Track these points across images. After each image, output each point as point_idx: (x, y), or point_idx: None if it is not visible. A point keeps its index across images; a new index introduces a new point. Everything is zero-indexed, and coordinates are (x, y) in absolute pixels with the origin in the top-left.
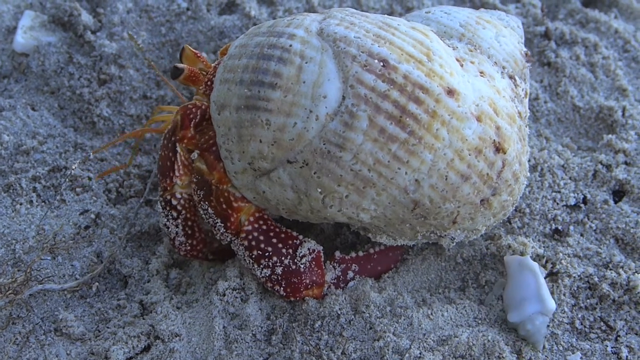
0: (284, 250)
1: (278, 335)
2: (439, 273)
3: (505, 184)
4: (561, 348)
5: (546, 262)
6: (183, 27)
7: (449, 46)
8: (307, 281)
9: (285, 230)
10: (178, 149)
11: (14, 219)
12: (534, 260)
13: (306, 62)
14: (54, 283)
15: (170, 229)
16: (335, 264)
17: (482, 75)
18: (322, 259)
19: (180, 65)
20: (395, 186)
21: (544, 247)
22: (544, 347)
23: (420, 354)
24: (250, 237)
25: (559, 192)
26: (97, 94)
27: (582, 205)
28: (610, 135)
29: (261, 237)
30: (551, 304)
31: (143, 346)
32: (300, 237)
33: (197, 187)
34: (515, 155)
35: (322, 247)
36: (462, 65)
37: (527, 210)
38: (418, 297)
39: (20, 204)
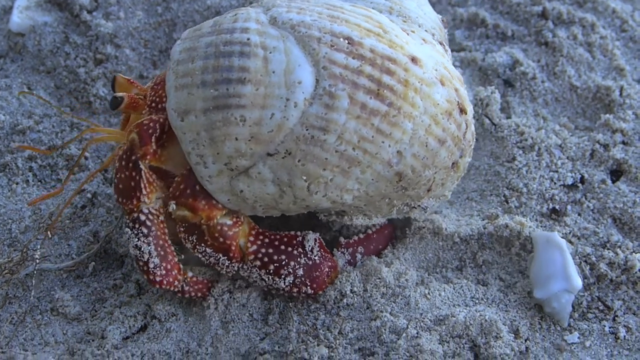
0: (295, 252)
1: (275, 315)
2: (437, 252)
3: (468, 145)
4: (559, 328)
5: None
6: (179, 7)
7: (389, 20)
8: (326, 270)
9: (283, 233)
10: (142, 166)
11: (10, 198)
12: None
13: (270, 52)
14: (50, 263)
15: (142, 250)
16: (343, 250)
17: (425, 42)
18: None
19: (119, 95)
20: (380, 161)
21: (541, 226)
22: (540, 326)
23: (417, 333)
24: (259, 255)
25: (557, 171)
26: (94, 73)
27: (579, 184)
28: (607, 115)
29: (270, 250)
30: (577, 282)
31: (140, 326)
32: (298, 232)
33: (186, 234)
34: (471, 117)
35: (318, 233)
36: (407, 35)
37: (525, 189)
38: (417, 277)
39: (17, 184)
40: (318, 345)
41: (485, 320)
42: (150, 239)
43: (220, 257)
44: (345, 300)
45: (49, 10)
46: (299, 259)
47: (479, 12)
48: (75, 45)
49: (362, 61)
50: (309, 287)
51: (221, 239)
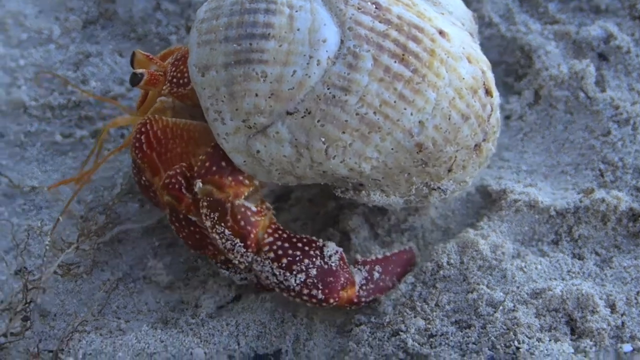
0: (312, 252)
1: None
2: (532, 225)
3: (492, 130)
4: None
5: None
6: None
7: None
8: (342, 280)
9: (304, 235)
10: (194, 219)
11: (103, 165)
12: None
13: (296, 11)
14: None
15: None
16: (360, 267)
17: (454, 25)
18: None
19: (139, 71)
20: (401, 129)
21: (637, 201)
22: (637, 301)
23: (513, 306)
24: (274, 246)
25: None
26: (185, 41)
27: None
28: None
29: (286, 244)
30: None
31: (233, 295)
32: (320, 240)
33: (209, 210)
34: (497, 103)
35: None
36: (437, 14)
37: (620, 163)
38: (514, 250)
39: (108, 150)
40: (415, 317)
41: (582, 295)
42: (222, 240)
43: (237, 243)
44: (441, 272)
45: None
46: (314, 259)
47: None
48: (167, 12)
49: (388, 25)
50: (320, 292)
51: (242, 222)
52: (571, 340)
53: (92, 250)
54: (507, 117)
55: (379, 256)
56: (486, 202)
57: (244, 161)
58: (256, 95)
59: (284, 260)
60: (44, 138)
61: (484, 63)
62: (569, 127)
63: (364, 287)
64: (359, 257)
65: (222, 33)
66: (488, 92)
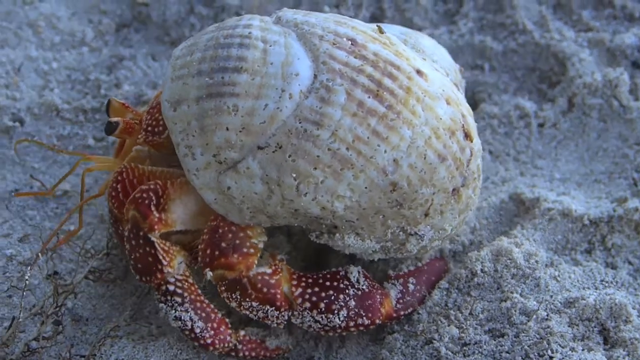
0: (342, 285)
1: None
2: (566, 234)
3: (472, 176)
4: None
5: None
6: None
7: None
8: (378, 297)
9: (324, 271)
10: (153, 239)
11: None
12: None
13: (270, 46)
14: None
15: (184, 320)
16: (393, 281)
17: (437, 71)
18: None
19: (114, 119)
20: (374, 166)
21: None
22: None
23: (547, 315)
24: (306, 296)
25: None
26: None
27: None
28: None
29: (316, 289)
30: None
31: None
32: (340, 268)
33: (229, 292)
34: (478, 149)
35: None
36: (418, 58)
37: None
38: (547, 259)
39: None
40: (448, 325)
41: (615, 304)
42: (187, 305)
43: (268, 309)
44: (475, 280)
45: None
46: (347, 291)
47: None
48: (200, 16)
49: (363, 61)
50: (364, 318)
51: (265, 289)
52: (604, 349)
53: (123, 256)
54: (540, 125)
55: (411, 268)
56: (520, 210)
57: (215, 199)
58: (227, 129)
59: (322, 305)
60: (76, 141)
61: (466, 109)
62: (602, 135)
63: (400, 301)
64: (391, 272)
65: (195, 67)
66: (467, 136)
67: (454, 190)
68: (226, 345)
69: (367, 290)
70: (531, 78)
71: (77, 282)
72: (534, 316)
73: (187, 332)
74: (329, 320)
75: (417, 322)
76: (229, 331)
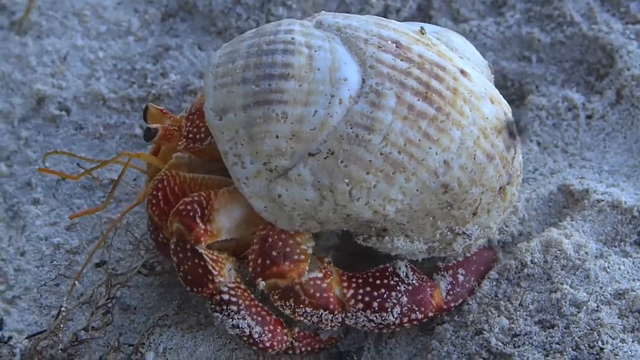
0: (392, 282)
1: None
2: (615, 226)
3: (516, 174)
4: None
5: None
6: None
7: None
8: (429, 291)
9: (372, 269)
10: (200, 250)
11: None
12: None
13: (315, 51)
14: None
15: (242, 327)
16: (443, 273)
17: (474, 69)
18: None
19: (154, 126)
20: (426, 168)
21: None
22: None
23: (597, 307)
24: (359, 297)
25: None
26: None
27: None
28: None
29: (367, 289)
30: None
31: None
32: (387, 264)
33: (283, 301)
34: (520, 146)
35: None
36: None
37: None
38: (597, 250)
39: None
40: (499, 316)
41: None
42: (243, 312)
43: (322, 313)
44: (525, 271)
45: None
46: (398, 287)
47: None
48: (247, 6)
49: (410, 63)
50: (417, 312)
51: (318, 294)
52: None
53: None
54: (588, 117)
55: (460, 259)
56: (568, 201)
57: (265, 207)
58: (277, 136)
59: (375, 304)
60: (123, 130)
61: (506, 106)
62: None
63: (450, 292)
64: (440, 264)
65: (239, 75)
66: (511, 134)
67: (500, 188)
68: (283, 345)
69: (417, 284)
70: (579, 70)
71: (130, 276)
72: (584, 307)
73: (245, 339)
74: (383, 318)
75: (467, 313)
76: (285, 330)
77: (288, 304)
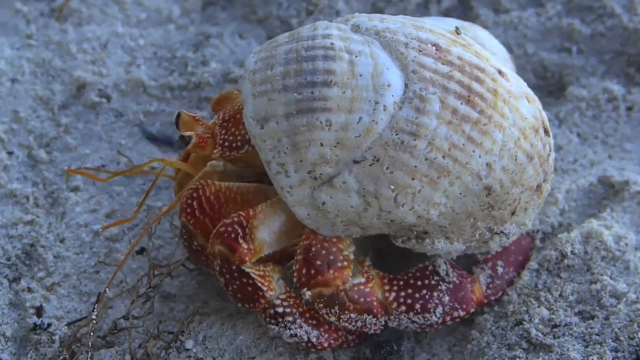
0: (433, 282)
1: None
2: None
3: (550, 170)
4: None
5: None
6: None
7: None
8: (469, 287)
9: (414, 269)
10: (247, 270)
11: None
12: None
13: (356, 56)
14: None
15: (300, 335)
16: (482, 265)
17: (505, 66)
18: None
19: (187, 134)
20: (469, 172)
21: None
22: None
23: (637, 298)
24: (401, 300)
25: None
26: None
27: None
28: None
29: (409, 291)
30: None
31: None
32: (426, 262)
33: (328, 308)
34: (553, 144)
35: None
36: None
37: None
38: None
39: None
40: (539, 306)
41: None
42: (299, 321)
43: (366, 318)
44: (565, 262)
45: None
46: (439, 287)
47: None
48: None
49: (451, 67)
50: (460, 310)
51: (362, 299)
52: None
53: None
54: (629, 109)
55: (498, 249)
56: (609, 193)
57: (308, 214)
58: (321, 144)
59: (417, 306)
60: (163, 118)
61: (538, 102)
62: None
63: (490, 285)
64: (478, 256)
65: (279, 82)
66: (546, 132)
67: (537, 186)
68: (338, 341)
69: (457, 281)
70: (619, 62)
71: (173, 268)
72: (624, 299)
73: (304, 344)
74: (425, 319)
75: (508, 304)
76: (340, 329)
77: (333, 312)
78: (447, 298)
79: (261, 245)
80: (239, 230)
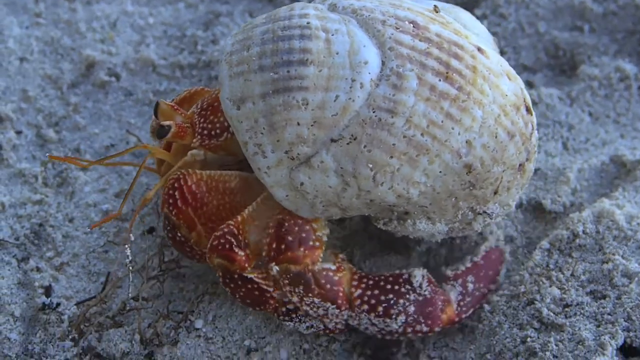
0: (403, 289)
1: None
2: None
3: (533, 149)
4: None
5: None
6: None
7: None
8: (440, 304)
9: (388, 274)
10: (250, 276)
11: None
12: None
13: (332, 35)
14: None
15: (316, 326)
16: (452, 282)
17: (487, 45)
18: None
19: (166, 123)
20: (449, 149)
21: None
22: None
23: None
24: (366, 297)
25: None
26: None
27: None
28: None
29: (376, 291)
30: None
31: None
32: (404, 270)
33: (292, 286)
34: (535, 121)
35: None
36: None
37: None
38: None
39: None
40: (550, 286)
41: None
42: (316, 303)
43: (328, 307)
44: (577, 241)
45: None
46: (407, 296)
47: None
48: None
49: (429, 44)
50: (423, 325)
51: (328, 286)
52: None
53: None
54: None
55: (468, 265)
56: (620, 172)
57: (287, 195)
58: (298, 124)
59: (380, 309)
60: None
61: (521, 82)
62: None
63: (461, 303)
64: (448, 272)
65: (255, 63)
66: (529, 110)
67: (520, 165)
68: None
69: (428, 296)
70: (631, 41)
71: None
72: (636, 278)
73: (321, 332)
74: (386, 324)
75: (519, 283)
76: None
77: (297, 291)
78: (412, 309)
79: (257, 247)
80: (232, 240)
